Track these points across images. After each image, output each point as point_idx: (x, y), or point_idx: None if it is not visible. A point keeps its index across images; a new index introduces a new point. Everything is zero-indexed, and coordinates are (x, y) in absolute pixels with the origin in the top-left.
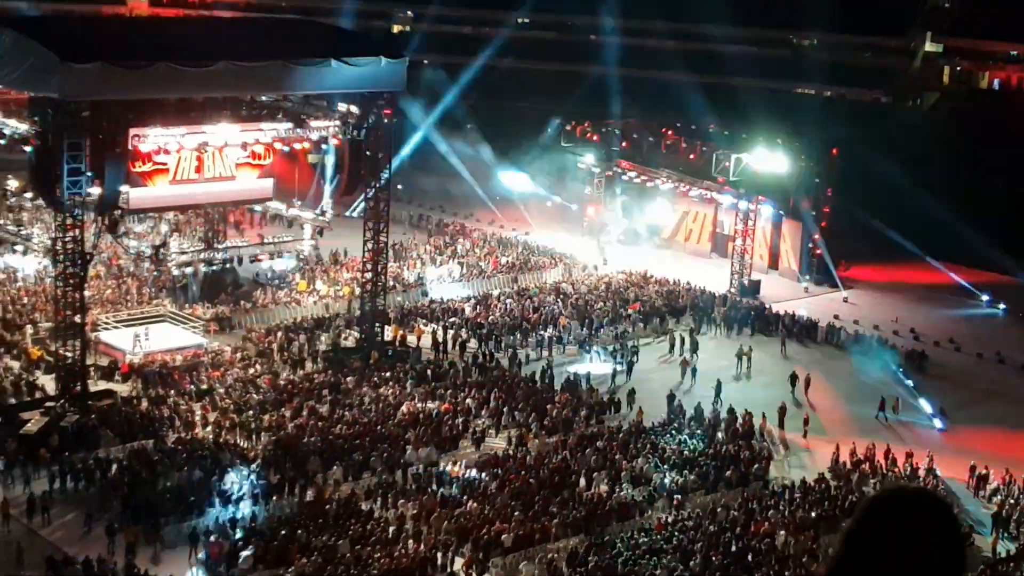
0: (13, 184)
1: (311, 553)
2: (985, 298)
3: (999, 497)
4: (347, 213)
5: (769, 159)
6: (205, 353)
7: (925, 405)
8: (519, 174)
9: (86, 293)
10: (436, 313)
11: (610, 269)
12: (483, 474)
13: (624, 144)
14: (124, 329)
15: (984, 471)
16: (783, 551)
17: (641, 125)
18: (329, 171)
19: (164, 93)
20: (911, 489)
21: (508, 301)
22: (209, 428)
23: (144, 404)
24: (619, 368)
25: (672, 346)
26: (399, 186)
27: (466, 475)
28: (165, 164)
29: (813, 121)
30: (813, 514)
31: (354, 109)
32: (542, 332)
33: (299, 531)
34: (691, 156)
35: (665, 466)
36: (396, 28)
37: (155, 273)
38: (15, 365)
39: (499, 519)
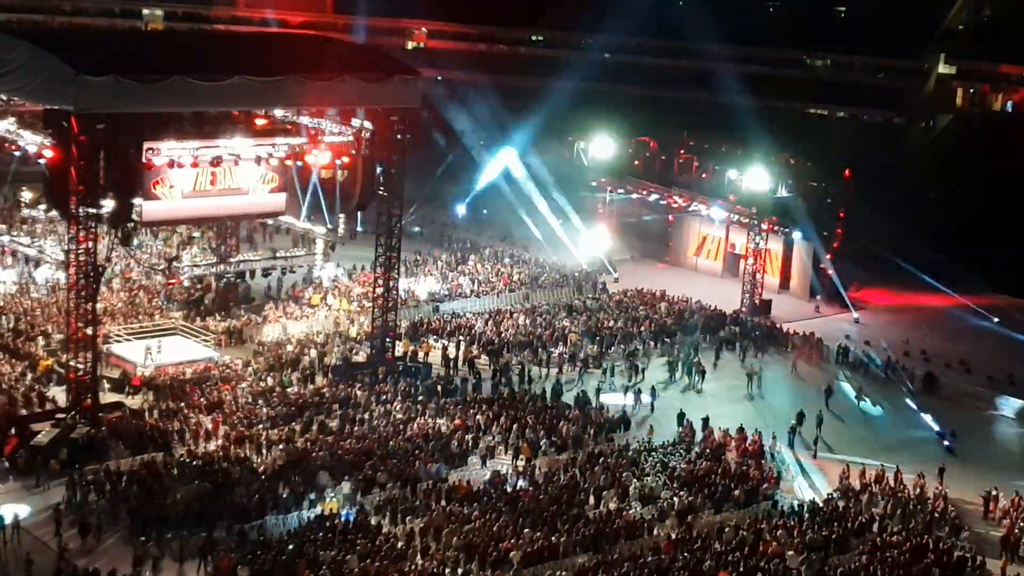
0: (27, 196)
1: (319, 568)
2: None
3: (1008, 520)
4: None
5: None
6: (216, 366)
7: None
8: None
9: (98, 305)
10: (447, 329)
11: (621, 287)
12: None
13: (636, 163)
14: (136, 342)
15: (993, 493)
16: (796, 571)
17: (654, 143)
18: (342, 186)
19: (179, 107)
20: None
21: (519, 318)
22: (220, 441)
23: (155, 416)
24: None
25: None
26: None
27: None
28: (179, 177)
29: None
30: (823, 535)
31: (368, 125)
32: (552, 349)
33: (307, 545)
34: (703, 175)
35: (675, 484)
36: (410, 44)
37: (169, 286)
38: (27, 376)
39: (508, 536)
